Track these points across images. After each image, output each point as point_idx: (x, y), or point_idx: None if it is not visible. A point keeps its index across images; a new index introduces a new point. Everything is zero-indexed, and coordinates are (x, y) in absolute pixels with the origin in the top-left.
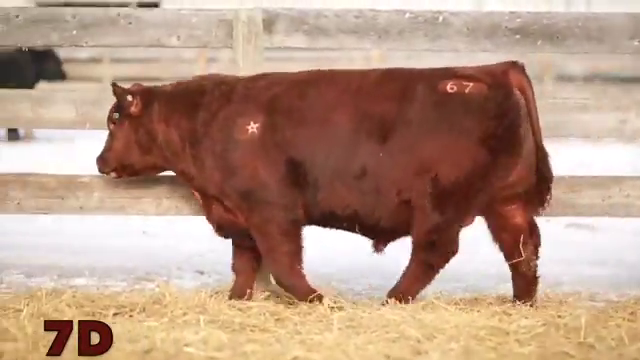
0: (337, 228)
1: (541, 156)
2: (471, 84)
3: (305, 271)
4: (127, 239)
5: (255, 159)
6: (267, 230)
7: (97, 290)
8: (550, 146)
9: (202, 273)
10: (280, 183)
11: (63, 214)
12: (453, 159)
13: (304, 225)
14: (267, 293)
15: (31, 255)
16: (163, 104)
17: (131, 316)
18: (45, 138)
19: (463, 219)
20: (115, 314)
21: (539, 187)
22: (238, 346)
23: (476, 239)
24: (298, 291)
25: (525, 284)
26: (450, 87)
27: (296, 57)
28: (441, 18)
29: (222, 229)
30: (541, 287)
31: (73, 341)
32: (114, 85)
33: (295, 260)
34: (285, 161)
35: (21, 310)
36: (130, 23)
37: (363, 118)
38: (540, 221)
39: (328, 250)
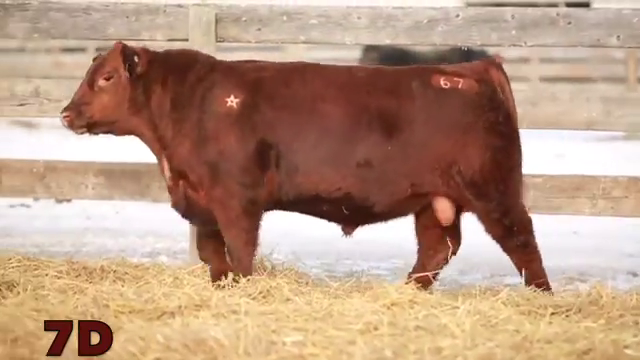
0: (311, 213)
1: None
2: (462, 80)
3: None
4: (558, 239)
5: (227, 133)
6: (228, 204)
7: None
8: None
9: (635, 275)
10: (246, 161)
11: None
12: (468, 152)
13: (264, 207)
14: None
15: (463, 252)
16: (161, 66)
17: (567, 316)
18: None
19: (513, 196)
20: (552, 314)
21: None
22: None
23: None
24: (242, 267)
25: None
26: (444, 82)
27: None
28: None
29: (185, 208)
30: None
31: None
32: (122, 44)
33: (250, 238)
34: (257, 141)
35: (457, 307)
36: (569, 23)
37: (360, 112)
38: None
39: None
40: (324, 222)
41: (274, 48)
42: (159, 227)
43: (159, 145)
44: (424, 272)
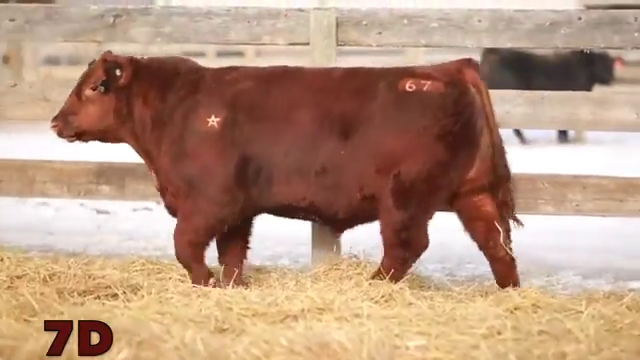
0: (294, 217)
1: (497, 152)
2: (429, 82)
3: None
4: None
5: (208, 152)
6: (193, 218)
7: None
8: None
9: None
10: (226, 180)
11: (621, 216)
12: (413, 157)
13: (230, 224)
14: None
15: (586, 257)
16: (144, 79)
17: None
18: (595, 141)
19: (427, 214)
20: None
21: (496, 184)
22: None
23: None
24: (195, 275)
25: (505, 268)
26: (409, 86)
27: None
28: None
29: (173, 212)
30: None
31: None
32: (105, 56)
33: (199, 250)
34: (238, 158)
35: (581, 312)
36: None
37: (324, 116)
38: None
39: None
40: (444, 226)
41: (394, 52)
42: (279, 230)
43: (146, 157)
44: (499, 260)
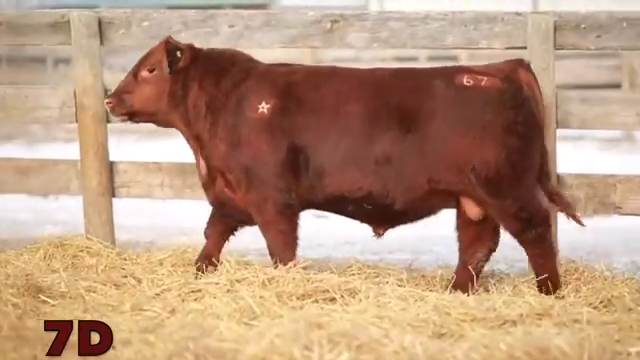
0: (340, 212)
1: (543, 153)
2: (485, 78)
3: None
4: None
5: (260, 138)
6: (264, 207)
7: None
8: None
9: None
10: (279, 166)
11: None
12: (485, 150)
13: (299, 209)
14: None
15: None
16: (202, 65)
17: None
18: None
19: (527, 193)
20: None
21: (540, 184)
22: None
23: None
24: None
25: (464, 279)
26: (467, 80)
27: None
28: None
29: (221, 204)
30: None
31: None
32: (168, 39)
33: (289, 239)
34: (288, 146)
35: None
36: None
37: (380, 109)
38: None
39: None
40: None
41: (610, 55)
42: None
43: (195, 142)
44: (466, 269)
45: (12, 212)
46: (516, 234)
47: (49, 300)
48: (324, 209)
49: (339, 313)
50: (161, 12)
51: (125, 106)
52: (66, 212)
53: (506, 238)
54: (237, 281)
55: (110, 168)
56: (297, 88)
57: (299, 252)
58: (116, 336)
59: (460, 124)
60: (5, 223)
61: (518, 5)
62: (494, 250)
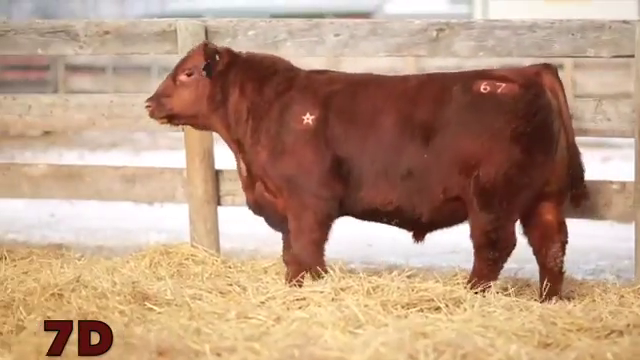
0: (377, 222)
1: (573, 155)
2: (503, 85)
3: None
4: None
5: (304, 149)
6: (303, 215)
7: None
8: None
9: None
10: (324, 176)
11: None
12: (490, 159)
13: (336, 218)
14: None
15: None
16: (243, 70)
17: None
18: None
19: (512, 215)
20: None
21: (572, 186)
22: None
23: None
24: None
25: (551, 279)
26: (483, 88)
27: None
28: None
29: (259, 207)
30: None
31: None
32: (206, 42)
33: (319, 250)
34: (331, 156)
35: None
36: None
37: (406, 121)
38: None
39: None
40: None
41: None
42: (602, 244)
43: (235, 146)
44: (546, 270)
45: (118, 220)
46: (477, 248)
47: (155, 308)
48: (362, 219)
49: (444, 322)
50: (267, 21)
51: (164, 109)
52: (171, 220)
53: (614, 247)
54: (342, 289)
55: (216, 176)
56: (337, 98)
57: (404, 260)
58: (221, 344)
59: (470, 131)
60: (111, 231)
61: (623, 12)
62: (566, 242)
